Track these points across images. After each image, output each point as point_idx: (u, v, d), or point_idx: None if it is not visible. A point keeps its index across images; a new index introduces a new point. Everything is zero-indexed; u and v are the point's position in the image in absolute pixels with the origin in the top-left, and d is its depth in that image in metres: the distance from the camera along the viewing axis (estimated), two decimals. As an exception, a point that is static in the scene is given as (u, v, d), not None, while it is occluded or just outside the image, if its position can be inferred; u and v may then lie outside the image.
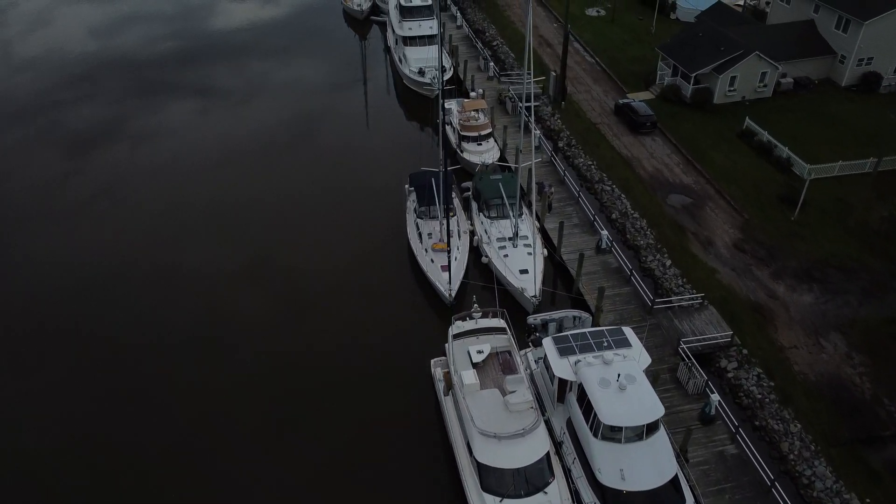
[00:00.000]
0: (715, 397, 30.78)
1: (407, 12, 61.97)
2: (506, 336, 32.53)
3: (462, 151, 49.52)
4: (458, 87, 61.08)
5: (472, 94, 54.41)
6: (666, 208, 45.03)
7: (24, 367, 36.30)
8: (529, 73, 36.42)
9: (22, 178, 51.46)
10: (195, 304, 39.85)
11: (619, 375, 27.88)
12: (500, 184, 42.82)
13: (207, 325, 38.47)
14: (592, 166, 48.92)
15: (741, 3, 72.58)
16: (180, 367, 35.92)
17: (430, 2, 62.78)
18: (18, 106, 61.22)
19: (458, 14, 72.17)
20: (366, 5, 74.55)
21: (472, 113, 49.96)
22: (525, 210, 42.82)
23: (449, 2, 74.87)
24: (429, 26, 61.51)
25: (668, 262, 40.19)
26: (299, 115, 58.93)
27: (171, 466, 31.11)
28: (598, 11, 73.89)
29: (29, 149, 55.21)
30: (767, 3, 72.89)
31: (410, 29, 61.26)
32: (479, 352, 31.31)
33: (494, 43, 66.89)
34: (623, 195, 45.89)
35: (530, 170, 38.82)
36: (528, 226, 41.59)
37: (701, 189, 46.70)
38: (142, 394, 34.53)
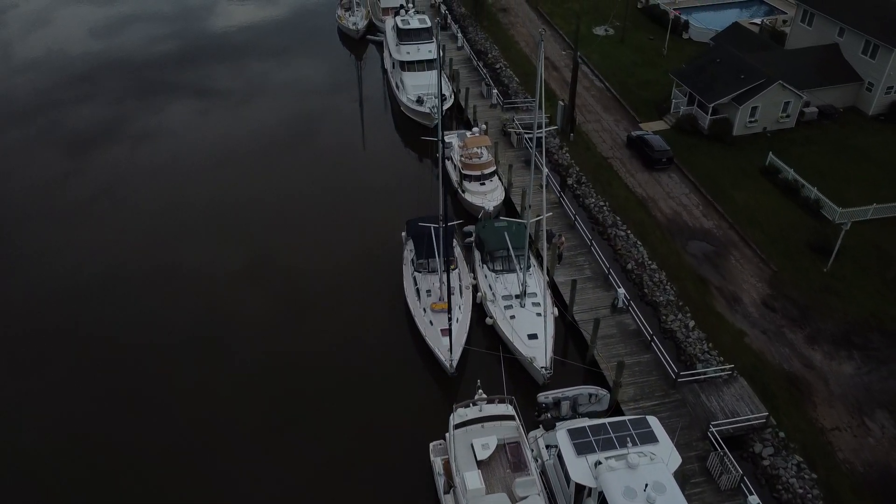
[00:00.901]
0: (754, 499, 27.05)
1: (404, 35, 58.24)
2: (514, 424, 28.79)
3: (464, 192, 45.76)
4: (459, 116, 57.41)
5: (475, 129, 50.62)
6: (686, 258, 41.32)
7: (24, 367, 36.45)
8: (541, 126, 32.65)
9: (22, 178, 51.62)
10: (195, 305, 39.93)
11: (646, 486, 24.16)
12: (506, 233, 39.13)
13: (207, 325, 38.60)
14: (605, 207, 45.19)
15: (758, 21, 68.86)
16: (180, 368, 36.02)
17: (429, 24, 59.07)
18: (19, 106, 61.32)
19: (459, 34, 68.45)
20: (362, 24, 70.82)
21: (475, 150, 46.22)
22: (533, 261, 39.12)
23: (449, 21, 71.17)
24: (428, 50, 57.76)
25: (692, 324, 36.45)
26: (298, 118, 58.56)
27: (171, 466, 31.21)
28: (606, 30, 70.17)
29: (29, 149, 55.35)
30: (785, 22, 69.27)
31: (408, 53, 57.51)
32: (485, 446, 27.56)
33: (497, 66, 63.15)
34: (639, 242, 42.17)
35: (539, 216, 35.25)
36: (536, 280, 37.89)
37: (723, 235, 42.98)
38: (142, 394, 34.64)
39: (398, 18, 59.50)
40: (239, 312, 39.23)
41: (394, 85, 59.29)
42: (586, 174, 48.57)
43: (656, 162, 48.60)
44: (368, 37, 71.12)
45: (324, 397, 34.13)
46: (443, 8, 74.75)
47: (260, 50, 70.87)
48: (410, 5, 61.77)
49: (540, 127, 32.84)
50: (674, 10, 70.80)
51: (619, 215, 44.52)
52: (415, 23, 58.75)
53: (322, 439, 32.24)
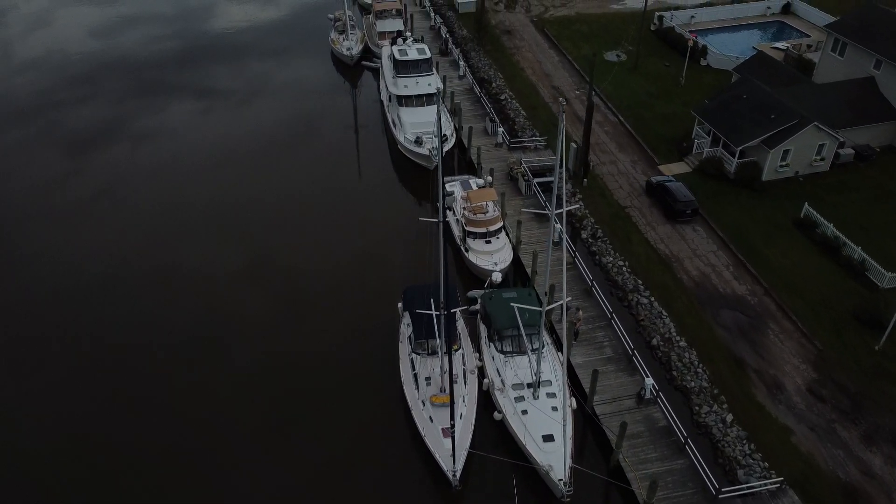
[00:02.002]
0: None
1: (402, 67, 53.56)
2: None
3: (467, 251, 41.19)
4: (461, 155, 52.78)
5: (479, 180, 45.96)
6: (718, 331, 36.72)
7: (24, 367, 36.45)
8: (559, 222, 27.99)
9: (22, 178, 51.71)
10: (195, 305, 40.02)
11: None
12: (516, 308, 34.49)
13: (207, 325, 38.67)
14: (624, 268, 40.61)
15: (781, 46, 64.28)
16: (180, 367, 36.08)
17: (428, 55, 54.40)
18: (19, 106, 61.49)
19: (461, 61, 63.88)
20: (356, 49, 66.21)
21: (480, 204, 41.59)
22: (546, 338, 34.52)
23: (450, 46, 66.60)
24: (427, 83, 53.11)
25: (729, 418, 31.86)
26: (297, 120, 58.43)
27: (171, 466, 31.23)
28: (618, 56, 65.59)
29: (29, 149, 55.50)
30: (810, 47, 64.77)
31: (406, 87, 52.87)
32: None
33: (502, 97, 58.51)
34: (664, 312, 37.58)
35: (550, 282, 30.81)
36: (551, 365, 33.30)
37: (758, 303, 38.39)
38: (141, 394, 34.67)
39: (395, 48, 54.85)
40: (238, 312, 39.38)
41: (390, 121, 54.70)
42: (602, 227, 44.01)
43: (680, 214, 44.02)
44: (364, 62, 66.54)
45: (323, 397, 34.26)
46: (443, 31, 70.18)
47: (259, 50, 71.06)
48: (409, 34, 57.09)
49: (560, 207, 28.13)
50: (690, 32, 66.31)
51: (640, 278, 39.94)
52: (413, 53, 54.10)
53: (322, 439, 32.40)
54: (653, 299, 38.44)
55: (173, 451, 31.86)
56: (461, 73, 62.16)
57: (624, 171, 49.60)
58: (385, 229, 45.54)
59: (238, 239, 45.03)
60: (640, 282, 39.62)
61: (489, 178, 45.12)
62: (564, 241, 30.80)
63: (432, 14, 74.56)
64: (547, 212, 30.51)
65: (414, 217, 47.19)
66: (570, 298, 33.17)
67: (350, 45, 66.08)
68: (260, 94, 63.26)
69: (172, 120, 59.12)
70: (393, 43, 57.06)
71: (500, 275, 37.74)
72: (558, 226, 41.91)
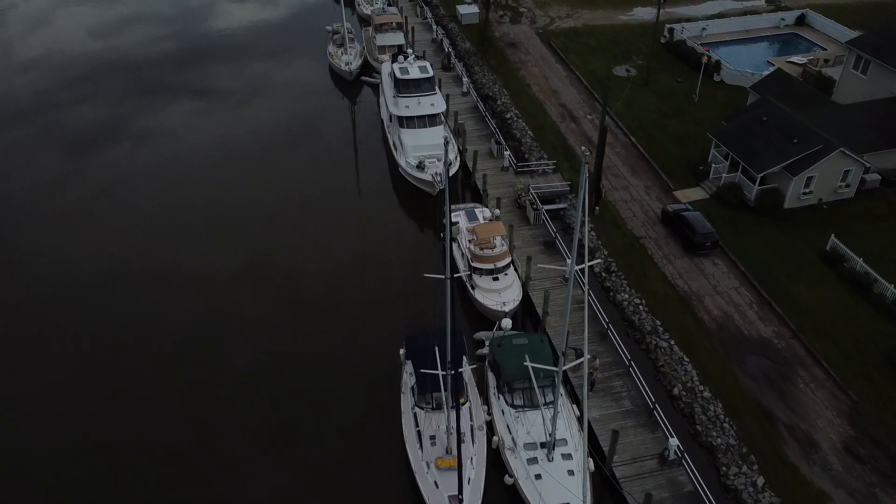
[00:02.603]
0: None
1: (403, 86, 50.88)
2: None
3: (473, 289, 38.64)
4: (465, 179, 50.20)
5: (486, 210, 43.30)
6: (744, 380, 34.16)
7: (24, 366, 36.51)
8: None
9: (22, 178, 51.84)
10: (195, 305, 40.08)
11: None
12: (527, 357, 31.90)
13: (207, 325, 38.72)
14: (641, 307, 38.08)
15: (798, 61, 61.74)
16: (180, 367, 36.15)
17: (431, 73, 51.75)
18: (19, 106, 61.63)
19: (465, 76, 61.32)
20: (355, 64, 63.61)
21: (488, 238, 39.00)
22: (561, 391, 31.93)
23: (453, 60, 64.02)
24: (430, 103, 50.52)
25: (760, 481, 29.33)
26: (294, 128, 57.69)
27: (171, 466, 31.30)
28: (628, 71, 63.04)
29: (29, 149, 55.58)
30: (827, 62, 62.26)
31: (407, 107, 50.24)
32: None
33: (507, 115, 55.99)
34: (685, 357, 35.03)
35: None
36: (565, 421, 30.75)
37: (786, 347, 35.84)
38: (141, 394, 34.75)
39: (396, 66, 52.22)
40: (238, 313, 39.37)
41: (391, 142, 52.11)
42: (616, 259, 41.48)
43: (699, 246, 41.46)
44: (363, 78, 63.97)
45: (323, 398, 34.18)
46: (446, 44, 67.62)
47: (259, 51, 70.85)
48: (410, 51, 54.40)
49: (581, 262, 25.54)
50: (702, 45, 63.80)
51: (658, 318, 37.41)
52: (415, 71, 51.45)
53: (322, 440, 32.31)
54: (672, 342, 35.90)
55: (173, 450, 31.95)
56: (464, 89, 59.59)
57: (637, 197, 47.04)
58: (384, 257, 43.20)
59: (237, 239, 45.04)
60: (658, 322, 37.08)
61: (497, 212, 42.45)
62: (587, 300, 28.18)
63: (434, 26, 72.01)
64: (564, 268, 27.89)
65: (416, 243, 45.12)
66: (590, 356, 30.64)
67: (349, 60, 63.48)
68: (259, 95, 63.01)
69: (172, 120, 59.23)
70: (394, 59, 54.39)
71: (510, 321, 35.15)
72: (572, 264, 39.80)
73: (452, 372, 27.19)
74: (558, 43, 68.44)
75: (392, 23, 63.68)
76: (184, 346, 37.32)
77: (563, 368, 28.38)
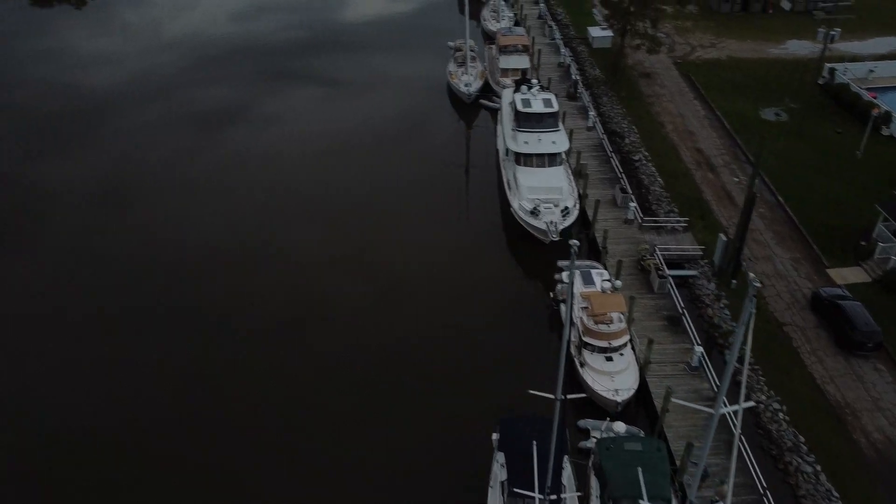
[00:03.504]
0: None
1: (524, 119, 46.61)
2: None
3: (582, 366, 33.94)
4: (583, 230, 45.25)
5: (605, 275, 38.29)
6: (911, 533, 27.86)
7: (121, 335, 37.95)
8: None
9: (156, 149, 55.11)
10: (285, 287, 41.17)
11: None
12: (640, 470, 27.05)
13: (295, 307, 39.65)
14: (781, 414, 32.12)
15: None
16: (270, 345, 37.20)
17: (555, 107, 47.19)
18: (159, 83, 65.57)
19: (591, 109, 56.32)
20: (475, 86, 59.98)
21: (604, 313, 34.13)
22: (678, 515, 26.89)
23: (580, 89, 59.10)
24: (552, 141, 46.06)
25: None
26: (409, 126, 58.40)
27: (257, 447, 31.78)
28: (777, 115, 55.95)
29: (164, 123, 58.96)
30: None
31: (526, 143, 45.98)
32: None
33: (636, 157, 50.67)
34: (834, 492, 28.87)
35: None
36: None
37: (968, 494, 29.04)
38: (223, 375, 35.57)
39: (518, 96, 47.98)
40: (333, 300, 40.16)
41: (505, 179, 47.98)
42: (753, 348, 35.44)
43: (858, 346, 34.85)
44: (482, 101, 60.27)
45: (414, 389, 34.34)
46: (573, 70, 62.72)
47: (381, 45, 72.48)
48: (535, 81, 49.87)
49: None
50: (869, 92, 55.73)
51: (801, 432, 31.33)
52: (538, 104, 47.04)
53: (409, 428, 32.50)
54: (819, 469, 29.80)
55: (254, 431, 32.64)
56: (590, 123, 54.60)
57: (783, 272, 40.66)
58: (484, 304, 39.38)
59: (340, 229, 45.99)
60: (801, 439, 31.03)
61: (618, 283, 37.30)
62: (736, 444, 23.14)
63: (562, 48, 67.27)
64: (709, 410, 22.85)
65: (521, 294, 40.90)
66: (724, 485, 25.51)
67: (469, 81, 59.93)
68: (375, 90, 63.99)
69: (292, 106, 61.67)
70: (517, 87, 50.19)
71: (623, 425, 30.22)
72: (699, 349, 34.32)
73: (552, 497, 22.84)
74: (698, 77, 62.01)
75: (518, 45, 59.59)
76: (271, 328, 38.44)
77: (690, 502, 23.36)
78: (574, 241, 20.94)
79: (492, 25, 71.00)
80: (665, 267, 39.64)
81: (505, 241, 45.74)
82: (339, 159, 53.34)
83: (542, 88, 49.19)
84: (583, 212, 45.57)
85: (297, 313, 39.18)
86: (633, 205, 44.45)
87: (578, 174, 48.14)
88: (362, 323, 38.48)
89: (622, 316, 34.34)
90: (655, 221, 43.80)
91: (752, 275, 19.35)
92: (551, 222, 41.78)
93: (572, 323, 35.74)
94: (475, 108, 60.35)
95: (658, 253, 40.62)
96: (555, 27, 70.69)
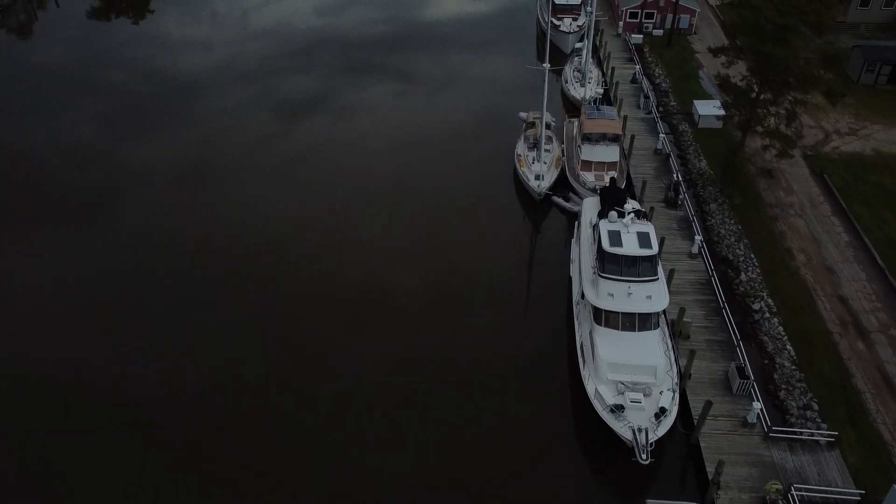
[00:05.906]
0: None
1: (609, 262, 34.39)
2: None
3: None
4: (684, 436, 32.88)
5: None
6: None
7: (188, 320, 39.93)
8: None
9: (238, 133, 57.84)
10: (349, 276, 42.49)
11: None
12: None
13: (361, 298, 40.94)
14: None
15: None
16: (337, 333, 38.74)
17: (655, 249, 34.94)
18: (245, 70, 68.78)
19: (697, 227, 43.85)
20: (547, 182, 48.03)
21: None
22: None
23: (682, 194, 46.54)
24: (646, 296, 33.88)
25: None
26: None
27: (309, 437, 33.15)
28: (950, 249, 42.15)
29: (247, 109, 61.67)
30: None
31: (611, 296, 33.86)
32: None
33: (756, 307, 38.04)
34: None
35: None
36: None
37: None
38: (295, 348, 37.85)
39: (604, 226, 35.69)
40: (396, 294, 41.26)
41: (578, 340, 36.04)
42: None
43: None
44: (554, 199, 48.46)
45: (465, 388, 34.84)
46: (674, 165, 49.98)
47: (461, 43, 73.97)
48: (631, 206, 36.99)
49: None
50: None
51: None
52: (631, 242, 34.51)
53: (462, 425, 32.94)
54: None
55: (304, 420, 33.92)
56: (695, 249, 42.16)
57: (984, 543, 27.98)
58: None
59: (407, 224, 47.09)
60: None
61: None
62: None
63: (659, 125, 54.68)
64: None
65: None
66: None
67: (539, 173, 48.06)
68: (453, 86, 65.24)
69: (371, 99, 63.18)
70: (602, 206, 38.17)
71: None
72: None
73: None
74: (836, 178, 48.50)
75: (608, 134, 47.41)
76: (338, 313, 40.03)
77: None
78: None
79: (575, 91, 58.91)
80: (805, 521, 27.34)
81: (573, 427, 34.25)
82: (411, 155, 54.42)
83: (640, 215, 36.90)
84: (684, 406, 33.18)
85: (355, 303, 40.70)
86: (758, 406, 31.82)
87: (678, 335, 35.92)
88: (418, 319, 39.50)
89: None
90: (790, 432, 31.14)
91: None
92: (640, 430, 29.90)
93: None
94: (546, 205, 48.64)
95: (794, 491, 28.25)
96: (651, 97, 57.91)
